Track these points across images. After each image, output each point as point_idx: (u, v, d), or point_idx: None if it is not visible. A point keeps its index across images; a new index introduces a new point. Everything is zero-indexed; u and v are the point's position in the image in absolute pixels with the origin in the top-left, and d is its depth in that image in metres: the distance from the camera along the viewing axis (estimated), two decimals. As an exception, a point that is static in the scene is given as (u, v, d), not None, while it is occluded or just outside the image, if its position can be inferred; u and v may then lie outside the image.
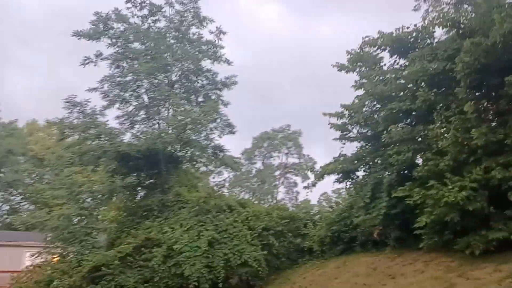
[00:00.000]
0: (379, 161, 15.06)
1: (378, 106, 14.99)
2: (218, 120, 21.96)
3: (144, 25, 21.88)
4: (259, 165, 55.09)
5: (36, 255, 18.41)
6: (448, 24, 12.41)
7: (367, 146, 15.72)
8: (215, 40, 22.46)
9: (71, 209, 18.24)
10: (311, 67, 68.73)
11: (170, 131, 19.90)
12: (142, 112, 22.04)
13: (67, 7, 62.94)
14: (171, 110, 21.67)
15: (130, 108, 21.80)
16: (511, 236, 10.31)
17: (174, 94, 21.22)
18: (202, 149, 21.19)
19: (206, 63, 22.53)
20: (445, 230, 11.93)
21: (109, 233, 19.49)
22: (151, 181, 20.34)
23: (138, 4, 21.67)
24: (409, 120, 14.15)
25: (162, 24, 22.27)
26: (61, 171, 21.30)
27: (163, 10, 22.09)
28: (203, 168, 24.43)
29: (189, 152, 21.15)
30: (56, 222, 17.71)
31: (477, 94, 12.14)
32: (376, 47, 15.08)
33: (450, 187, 11.03)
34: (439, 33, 13.95)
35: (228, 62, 22.61)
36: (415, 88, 13.37)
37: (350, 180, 16.49)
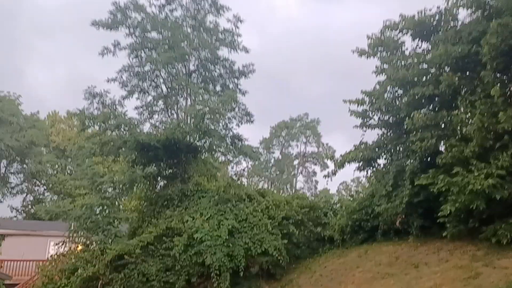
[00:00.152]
0: (401, 149, 14.74)
1: (400, 92, 14.61)
2: (236, 109, 21.92)
3: (161, 14, 21.88)
4: (277, 154, 55.04)
5: (60, 244, 18.78)
6: (473, 5, 11.97)
7: (389, 133, 15.39)
8: (232, 28, 22.33)
9: (93, 199, 18.50)
10: (330, 54, 67.90)
11: (188, 121, 19.95)
12: (160, 102, 22.19)
13: (86, -1, 63.42)
14: (189, 100, 21.72)
15: (149, 98, 21.99)
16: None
17: (192, 83, 21.24)
18: (221, 138, 21.16)
19: (223, 52, 22.47)
20: (470, 218, 11.67)
21: (130, 223, 19.73)
22: (170, 171, 20.45)
23: (155, -7, 21.65)
24: (432, 105, 13.75)
25: (178, 13, 22.26)
26: (83, 161, 21.59)
27: (179, -1, 22.04)
28: (221, 158, 24.46)
29: (207, 141, 21.14)
30: (79, 211, 17.97)
31: (504, 77, 11.72)
32: (398, 31, 14.67)
33: (476, 174, 10.73)
34: (463, 15, 13.48)
35: (246, 50, 22.48)
36: (438, 72, 12.99)
37: (371, 168, 16.20)
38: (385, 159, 15.67)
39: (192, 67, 22.45)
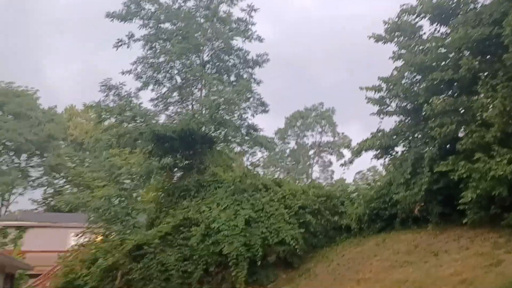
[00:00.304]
0: (419, 136, 14.47)
1: (418, 77, 14.29)
2: (251, 99, 21.84)
3: (174, 5, 21.82)
4: (292, 144, 54.85)
5: (80, 235, 19.11)
6: (494, -14, 11.60)
7: (407, 120, 15.10)
8: (246, 18, 22.17)
9: (111, 190, 18.73)
10: (345, 43, 67.12)
11: (203, 112, 19.96)
12: (175, 94, 22.23)
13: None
14: (204, 91, 21.71)
15: (164, 90, 22.05)
16: None
17: (206, 74, 21.20)
18: (236, 128, 21.14)
19: (237, 42, 22.35)
20: (491, 205, 11.43)
21: (148, 213, 19.93)
22: (187, 162, 20.54)
23: (168, -16, 21.59)
24: (451, 91, 13.43)
25: (191, 3, 22.17)
26: (100, 153, 21.86)
27: (193, -12, 21.93)
28: (237, 149, 24.47)
29: (223, 132, 21.15)
30: (97, 203, 18.22)
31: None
32: (415, 15, 14.32)
33: (497, 159, 10.48)
34: (483, -4, 13.07)
35: (260, 40, 22.33)
36: (458, 56, 12.67)
37: (389, 156, 15.96)
38: (403, 146, 15.40)
39: (206, 58, 22.40)
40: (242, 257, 15.17)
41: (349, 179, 46.36)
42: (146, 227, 18.02)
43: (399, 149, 15.59)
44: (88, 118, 45.03)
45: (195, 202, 17.71)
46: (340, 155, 50.20)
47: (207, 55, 22.40)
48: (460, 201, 11.67)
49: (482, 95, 11.86)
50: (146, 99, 21.50)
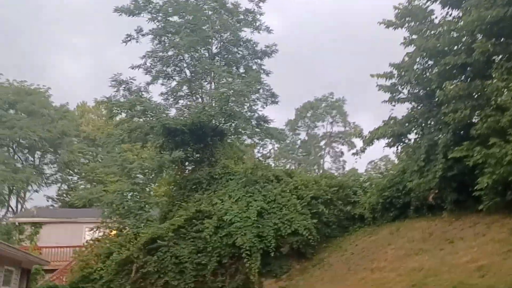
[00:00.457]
0: (432, 122, 14.22)
1: (430, 62, 13.99)
2: (261, 91, 21.76)
3: (182, -3, 21.73)
4: (303, 135, 54.61)
5: (95, 229, 19.28)
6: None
7: (419, 107, 14.85)
8: (254, 9, 22.00)
9: (124, 185, 18.82)
10: (354, 35, 66.22)
11: (213, 104, 19.93)
12: (185, 87, 22.24)
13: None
14: (213, 84, 21.67)
15: (173, 83, 22.06)
16: None
17: (215, 66, 21.14)
18: (246, 120, 21.09)
19: (245, 33, 22.23)
20: (508, 191, 11.20)
21: (161, 207, 20.04)
22: (198, 155, 20.57)
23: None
24: (464, 75, 13.14)
25: (199, -5, 22.04)
26: (113, 148, 21.99)
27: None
28: (248, 141, 24.44)
29: (233, 124, 21.12)
30: (111, 197, 18.34)
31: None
32: (426, -1, 14.03)
33: (514, 144, 10.24)
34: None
35: (268, 30, 22.18)
36: (471, 40, 12.36)
37: (402, 143, 15.74)
38: (415, 133, 15.16)
39: (215, 50, 22.35)
40: (255, 249, 15.18)
41: (361, 169, 46.02)
42: (159, 221, 18.11)
43: (412, 136, 15.40)
44: (100, 114, 45.34)
45: (207, 195, 17.75)
46: (352, 145, 49.84)
47: (216, 47, 22.36)
48: (475, 188, 11.47)
49: (496, 79, 11.57)
50: (156, 93, 21.57)
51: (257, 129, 22.13)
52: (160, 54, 21.31)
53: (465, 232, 11.95)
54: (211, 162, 19.53)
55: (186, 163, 21.07)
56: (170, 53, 21.27)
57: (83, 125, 46.05)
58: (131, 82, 20.29)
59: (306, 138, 54.20)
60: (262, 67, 22.19)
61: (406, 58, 14.40)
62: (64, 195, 44.37)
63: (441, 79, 12.91)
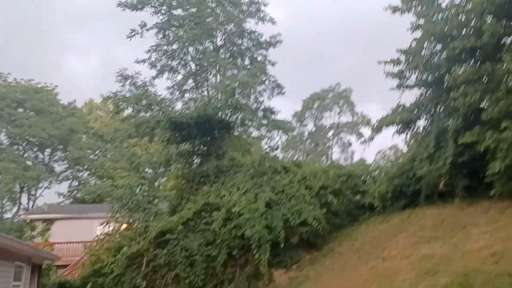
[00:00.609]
0: (442, 108, 13.99)
1: (438, 47, 13.69)
2: (267, 82, 21.64)
3: (185, -11, 21.58)
4: (310, 127, 54.30)
5: (105, 224, 19.39)
6: None
7: (428, 93, 14.60)
8: (257, 0, 21.79)
9: (132, 179, 18.88)
10: (360, 25, 65.51)
11: (219, 97, 19.84)
12: (190, 81, 22.16)
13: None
14: (218, 76, 21.57)
15: (179, 77, 21.98)
16: None
17: (220, 59, 21.02)
18: (252, 112, 20.99)
19: (250, 24, 22.07)
20: (521, 175, 10.96)
21: (170, 200, 20.07)
22: (205, 148, 20.54)
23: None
24: (474, 59, 12.84)
25: (202, -13, 21.87)
26: (120, 143, 22.08)
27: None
28: (255, 133, 24.35)
29: (239, 116, 21.02)
30: (120, 192, 18.41)
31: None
32: (433, -18, 13.73)
33: (526, 127, 10.00)
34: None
35: (272, 21, 21.97)
36: (480, 22, 12.06)
37: (411, 131, 15.53)
38: (425, 120, 14.95)
39: (219, 42, 22.24)
40: (264, 240, 15.10)
41: (369, 160, 45.67)
42: (169, 214, 18.14)
43: (421, 123, 15.19)
44: (108, 111, 45.53)
45: (215, 187, 17.72)
46: (360, 135, 49.50)
47: (220, 40, 22.25)
48: (487, 173, 11.26)
49: (507, 61, 11.28)
50: (162, 87, 21.57)
51: (264, 121, 22.02)
52: (165, 47, 21.22)
53: (478, 218, 11.74)
54: (219, 155, 19.50)
55: (194, 157, 21.05)
56: (174, 46, 21.18)
57: (91, 122, 46.30)
58: (136, 76, 20.28)
59: (314, 129, 53.89)
60: (267, 57, 22.03)
61: (414, 44, 14.13)
62: (75, 191, 44.72)
63: (450, 64, 12.66)
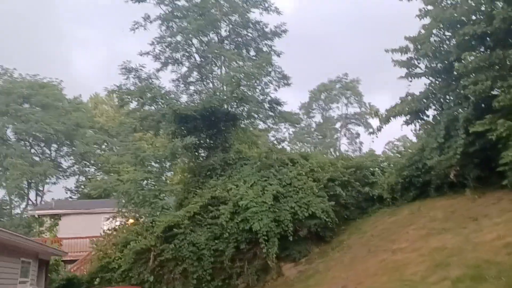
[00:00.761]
0: (452, 96, 13.63)
1: (447, 34, 13.34)
2: (272, 73, 21.36)
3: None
4: (318, 118, 53.91)
5: (111, 219, 19.34)
6: None
7: (437, 81, 14.24)
8: (262, -11, 21.46)
9: (138, 174, 18.77)
10: (368, 10, 64.63)
11: (224, 89, 19.62)
12: (195, 73, 21.95)
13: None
14: (223, 68, 21.32)
15: (183, 69, 21.79)
16: None
17: (225, 50, 20.77)
18: (259, 104, 20.75)
19: (254, 15, 21.75)
20: (534, 165, 10.67)
21: (176, 194, 19.95)
22: (211, 141, 20.39)
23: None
24: (485, 45, 12.48)
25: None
26: (125, 137, 21.99)
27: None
28: (261, 126, 24.12)
29: (245, 108, 20.80)
30: (126, 186, 18.32)
31: None
32: (441, -33, 13.31)
33: (540, 115, 9.69)
34: None
35: (278, 12, 21.62)
36: (490, 7, 11.69)
37: (420, 120, 15.19)
38: (434, 109, 14.59)
39: (224, 33, 21.98)
40: (272, 233, 14.96)
41: (378, 151, 45.26)
42: (175, 208, 18.04)
43: (431, 112, 14.83)
44: (113, 105, 45.50)
45: (222, 181, 17.56)
46: (368, 126, 48.99)
47: (225, 31, 21.97)
48: (499, 162, 10.97)
49: (519, 47, 10.96)
50: (166, 80, 21.40)
51: (270, 113, 21.80)
52: (169, 39, 20.99)
53: (490, 209, 11.47)
54: (225, 148, 19.33)
55: (200, 150, 20.91)
56: (178, 38, 20.95)
57: (97, 116, 46.32)
58: (140, 69, 20.11)
59: (321, 120, 53.49)
60: (273, 48, 21.73)
61: (422, 31, 13.74)
62: (82, 186, 44.89)
63: (460, 51, 12.27)
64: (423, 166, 14.52)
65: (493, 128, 11.00)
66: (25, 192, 41.78)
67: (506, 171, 11.13)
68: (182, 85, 21.83)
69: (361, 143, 51.63)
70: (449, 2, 13.07)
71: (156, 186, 18.84)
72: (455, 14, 12.40)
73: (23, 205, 42.93)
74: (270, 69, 20.83)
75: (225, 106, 19.72)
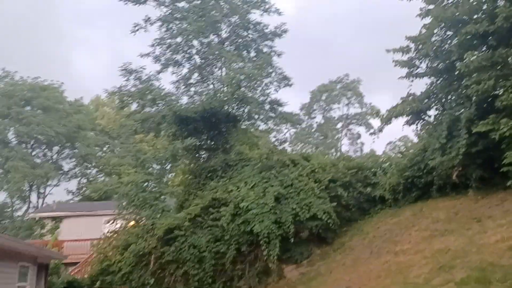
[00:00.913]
0: (454, 96, 13.52)
1: (449, 33, 13.22)
2: (273, 74, 21.28)
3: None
4: (319, 119, 53.82)
5: (112, 221, 19.25)
6: None
7: (439, 81, 14.11)
8: (262, -10, 21.40)
9: (138, 175, 18.70)
10: (369, 10, 64.51)
11: (225, 90, 19.54)
12: (195, 74, 21.90)
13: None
14: (224, 69, 21.26)
15: (184, 71, 21.73)
16: None
17: (225, 51, 20.69)
18: (259, 105, 20.67)
19: (255, 16, 21.69)
20: (538, 165, 10.54)
21: (177, 196, 19.87)
22: (212, 143, 20.30)
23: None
24: (487, 44, 12.34)
25: (205, -22, 21.51)
26: (126, 139, 21.94)
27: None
28: (262, 127, 24.05)
29: (246, 109, 20.72)
30: (126, 188, 18.24)
31: None
32: (443, -34, 13.19)
33: (544, 114, 9.56)
34: None
35: (278, 13, 21.56)
36: (493, 6, 11.57)
37: (421, 121, 15.08)
38: (436, 109, 14.48)
39: (224, 35, 21.90)
40: (273, 235, 14.83)
41: (379, 151, 45.20)
42: (176, 210, 17.96)
43: (432, 113, 14.74)
44: (114, 107, 45.48)
45: (223, 182, 17.46)
46: (369, 126, 48.91)
47: (225, 32, 21.89)
48: (502, 163, 10.84)
49: (522, 46, 10.83)
50: (167, 82, 21.37)
51: (271, 114, 21.71)
52: (169, 41, 20.94)
53: (493, 210, 11.34)
54: (226, 149, 19.24)
55: (201, 151, 20.83)
56: (178, 39, 20.91)
57: (98, 119, 46.32)
58: (141, 71, 20.05)
59: (322, 121, 53.39)
60: (273, 49, 21.66)
61: (423, 30, 13.62)
62: (84, 188, 44.87)
63: (462, 50, 12.17)
64: (425, 166, 14.38)
65: (496, 128, 10.88)
66: (26, 195, 41.75)
67: (510, 172, 10.99)
68: (183, 87, 21.79)
69: (362, 143, 51.56)
70: (450, 1, 12.95)
71: (156, 188, 18.75)
72: (457, 13, 12.27)
73: (24, 208, 42.97)
74: (270, 70, 20.78)
75: (226, 108, 19.63)
